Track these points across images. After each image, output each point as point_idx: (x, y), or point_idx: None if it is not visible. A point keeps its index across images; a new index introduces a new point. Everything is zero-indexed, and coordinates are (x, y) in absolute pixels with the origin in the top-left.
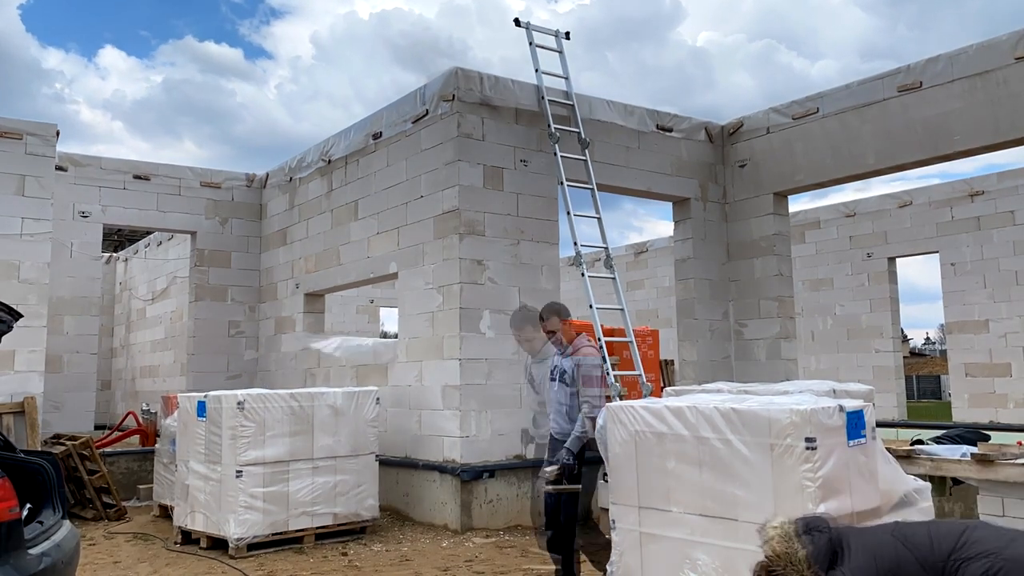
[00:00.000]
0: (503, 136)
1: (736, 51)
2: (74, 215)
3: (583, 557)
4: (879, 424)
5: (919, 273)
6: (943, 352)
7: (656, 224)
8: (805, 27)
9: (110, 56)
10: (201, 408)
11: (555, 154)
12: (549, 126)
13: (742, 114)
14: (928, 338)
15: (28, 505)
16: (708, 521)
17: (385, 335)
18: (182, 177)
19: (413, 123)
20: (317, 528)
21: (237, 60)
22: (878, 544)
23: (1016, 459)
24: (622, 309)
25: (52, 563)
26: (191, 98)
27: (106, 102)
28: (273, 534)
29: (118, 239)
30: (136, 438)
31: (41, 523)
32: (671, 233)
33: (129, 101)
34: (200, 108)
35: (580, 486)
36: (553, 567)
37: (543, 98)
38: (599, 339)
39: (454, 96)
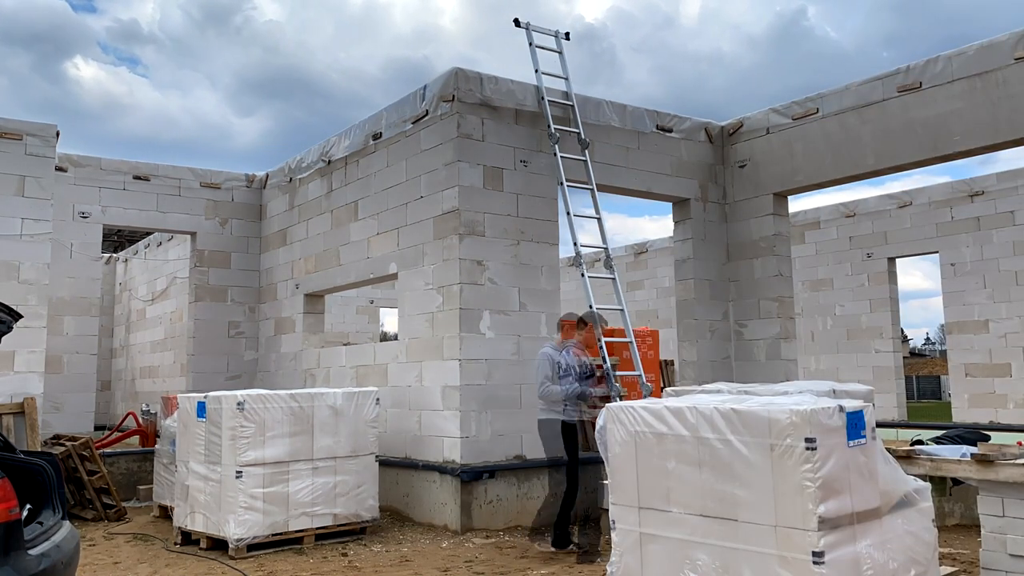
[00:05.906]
0: (503, 136)
1: (630, 32)
2: (74, 215)
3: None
4: (879, 424)
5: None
6: (943, 352)
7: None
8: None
9: None
10: (201, 409)
11: (555, 154)
12: (549, 126)
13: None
14: (928, 338)
15: (28, 506)
16: (708, 521)
17: (385, 335)
18: (182, 178)
19: (413, 124)
20: (317, 529)
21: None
22: None
23: (1016, 459)
24: (622, 309)
25: (52, 564)
26: (44, 95)
27: None
28: (273, 535)
29: (118, 239)
30: (136, 439)
31: (41, 524)
32: (667, 235)
33: None
34: (54, 105)
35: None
36: (551, 568)
37: (543, 99)
38: (599, 339)
39: (454, 97)
